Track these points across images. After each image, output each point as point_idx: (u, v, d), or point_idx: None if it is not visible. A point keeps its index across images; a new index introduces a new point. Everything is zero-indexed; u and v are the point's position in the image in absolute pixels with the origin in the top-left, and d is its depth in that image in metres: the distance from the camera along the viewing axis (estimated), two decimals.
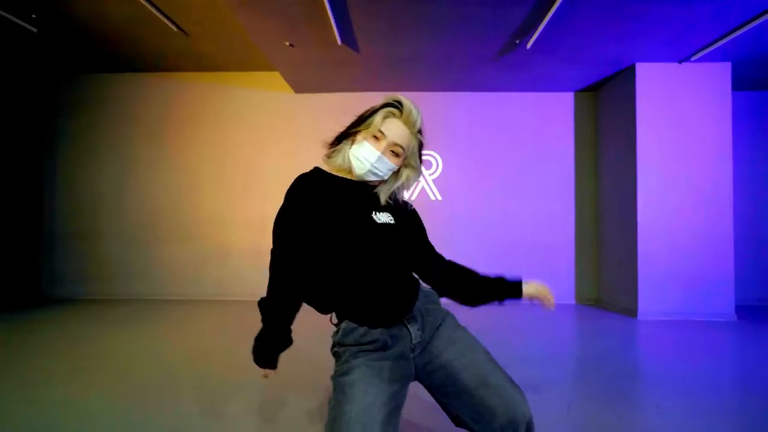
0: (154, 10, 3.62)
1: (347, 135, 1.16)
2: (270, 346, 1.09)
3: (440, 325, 1.13)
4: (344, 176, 1.18)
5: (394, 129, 1.11)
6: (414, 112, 1.11)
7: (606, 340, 3.42)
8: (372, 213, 1.12)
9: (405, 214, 1.21)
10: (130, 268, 5.27)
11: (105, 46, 4.48)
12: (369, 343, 1.02)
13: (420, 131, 1.17)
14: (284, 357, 1.11)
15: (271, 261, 1.12)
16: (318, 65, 4.34)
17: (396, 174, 1.18)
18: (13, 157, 4.90)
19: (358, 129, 1.14)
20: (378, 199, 1.15)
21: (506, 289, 1.20)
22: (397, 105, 1.11)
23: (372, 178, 1.15)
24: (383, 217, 1.12)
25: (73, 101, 5.30)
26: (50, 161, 5.31)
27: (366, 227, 1.09)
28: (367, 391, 0.95)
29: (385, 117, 1.11)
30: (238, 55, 4.72)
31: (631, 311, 4.32)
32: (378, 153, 1.10)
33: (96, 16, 3.81)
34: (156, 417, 1.90)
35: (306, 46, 3.87)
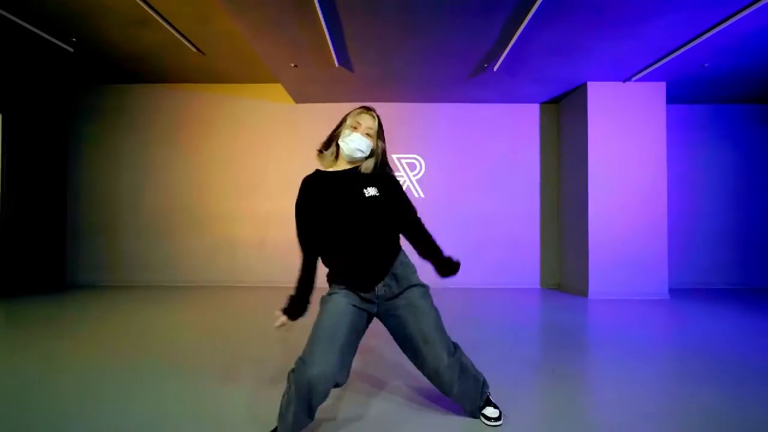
0: (179, 36, 4.27)
1: (333, 138, 1.66)
2: (294, 309, 1.59)
3: (408, 289, 1.60)
4: (335, 170, 1.64)
5: (365, 120, 1.63)
6: (370, 110, 1.67)
7: (560, 313, 4.18)
8: (363, 189, 1.56)
9: (387, 184, 1.64)
10: (146, 259, 5.89)
11: (129, 63, 5.11)
12: (340, 285, 1.59)
13: (377, 117, 1.67)
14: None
15: (298, 241, 1.64)
16: (317, 81, 5.02)
17: (373, 151, 1.64)
18: (41, 158, 5.47)
19: (339, 130, 1.64)
20: (364, 179, 1.58)
21: (433, 263, 1.71)
22: (362, 108, 1.67)
23: (359, 155, 1.60)
24: (371, 191, 1.56)
25: (95, 109, 5.90)
26: (74, 163, 5.90)
27: (357, 200, 1.54)
28: (341, 306, 1.52)
29: (358, 114, 1.64)
30: (245, 70, 5.38)
31: (583, 292, 5.10)
32: (359, 135, 1.59)
33: (128, 40, 4.45)
34: (177, 380, 2.59)
35: (308, 67, 4.55)
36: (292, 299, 1.59)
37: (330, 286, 1.65)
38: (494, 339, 3.08)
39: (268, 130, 5.93)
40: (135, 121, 5.93)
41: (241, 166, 5.93)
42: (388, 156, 1.73)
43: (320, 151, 1.70)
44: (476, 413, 1.72)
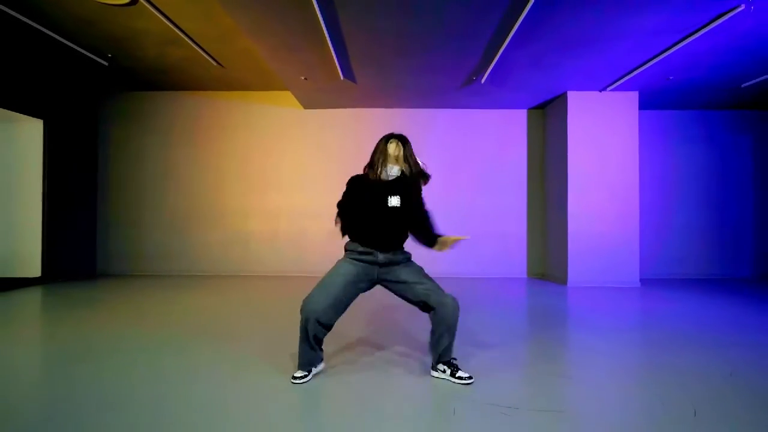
0: (202, 52, 4.84)
1: (373, 163, 2.21)
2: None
3: (404, 264, 2.20)
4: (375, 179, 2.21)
5: (393, 149, 2.20)
6: (399, 138, 2.22)
7: (539, 297, 4.76)
8: (388, 197, 2.16)
9: (408, 190, 2.22)
10: (168, 250, 6.49)
11: (156, 74, 5.69)
12: (357, 252, 2.18)
13: (406, 142, 2.23)
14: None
15: (339, 208, 2.30)
16: (324, 91, 5.59)
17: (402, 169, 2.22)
18: (75, 159, 6.05)
19: (377, 157, 2.19)
20: (392, 188, 2.17)
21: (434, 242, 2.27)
22: (391, 137, 2.22)
23: (392, 177, 2.20)
24: (394, 201, 2.17)
25: (121, 114, 6.50)
26: (103, 163, 6.50)
27: (380, 206, 2.17)
28: (344, 268, 2.14)
29: (387, 144, 2.20)
30: (258, 80, 5.94)
31: (563, 280, 5.66)
32: (389, 165, 2.19)
33: (157, 56, 5.03)
34: (213, 341, 3.18)
35: (316, 79, 5.12)
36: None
37: (345, 253, 2.25)
38: (486, 317, 3.66)
39: (278, 133, 6.50)
40: (157, 125, 6.52)
41: (253, 165, 6.51)
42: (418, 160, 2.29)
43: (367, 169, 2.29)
44: (440, 364, 2.17)
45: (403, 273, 2.18)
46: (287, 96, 6.40)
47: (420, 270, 2.23)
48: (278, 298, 4.58)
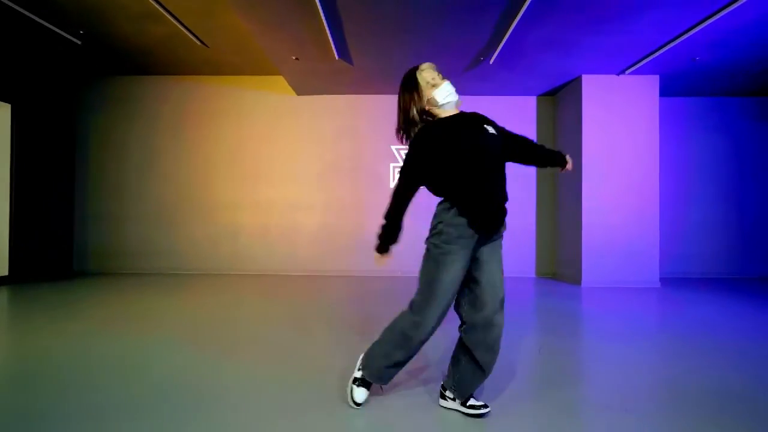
0: (184, 30, 4.40)
1: (409, 111, 1.63)
2: (387, 241, 1.67)
3: (494, 240, 1.61)
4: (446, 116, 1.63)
5: (430, 72, 1.65)
6: (426, 63, 1.68)
7: (554, 300, 4.34)
8: (485, 127, 1.59)
9: (493, 123, 1.67)
10: (153, 246, 6.06)
11: (136, 55, 5.25)
12: (462, 236, 1.52)
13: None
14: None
15: (396, 189, 1.64)
16: (318, 74, 5.15)
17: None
18: (49, 148, 5.61)
19: (419, 99, 1.62)
20: (478, 120, 1.63)
21: (553, 161, 1.87)
22: (419, 68, 1.66)
23: (456, 98, 1.63)
24: (491, 129, 1.60)
25: (102, 99, 6.05)
26: (81, 152, 6.06)
27: (488, 139, 1.57)
28: (456, 267, 1.52)
29: (424, 72, 1.64)
30: (248, 63, 5.50)
31: (577, 280, 5.24)
32: (445, 83, 1.62)
33: (135, 33, 4.59)
34: (188, 351, 2.76)
35: (309, 60, 4.68)
36: (388, 240, 1.68)
37: (447, 232, 1.54)
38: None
39: (270, 121, 6.07)
40: (141, 111, 6.08)
41: (244, 155, 6.07)
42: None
43: (404, 129, 1.69)
44: (449, 391, 1.71)
45: (485, 253, 1.59)
46: (280, 81, 5.95)
47: (500, 254, 1.65)
48: (271, 299, 4.17)
